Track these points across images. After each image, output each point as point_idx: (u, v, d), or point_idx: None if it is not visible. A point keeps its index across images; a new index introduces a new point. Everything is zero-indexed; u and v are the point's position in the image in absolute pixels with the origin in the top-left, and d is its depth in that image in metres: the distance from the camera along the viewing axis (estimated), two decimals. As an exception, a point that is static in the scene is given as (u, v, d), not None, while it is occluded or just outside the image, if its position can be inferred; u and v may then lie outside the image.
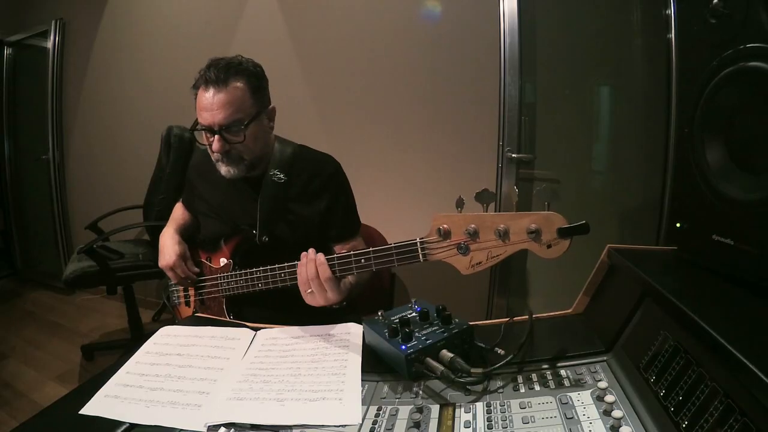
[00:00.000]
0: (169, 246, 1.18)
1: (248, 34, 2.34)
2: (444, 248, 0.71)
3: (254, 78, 1.08)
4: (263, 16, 2.28)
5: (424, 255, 0.74)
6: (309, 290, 0.86)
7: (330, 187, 1.18)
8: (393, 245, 0.76)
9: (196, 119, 1.07)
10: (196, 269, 1.18)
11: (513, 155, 1.71)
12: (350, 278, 0.99)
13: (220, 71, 1.02)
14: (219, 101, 1.02)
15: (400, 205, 2.05)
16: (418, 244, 0.74)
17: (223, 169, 1.09)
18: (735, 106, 0.64)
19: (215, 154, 1.07)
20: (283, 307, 1.11)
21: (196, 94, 1.07)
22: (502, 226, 0.65)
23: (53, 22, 3.08)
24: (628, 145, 1.76)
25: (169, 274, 1.17)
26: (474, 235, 0.68)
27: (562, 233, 0.61)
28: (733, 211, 0.64)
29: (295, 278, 0.92)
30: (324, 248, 0.90)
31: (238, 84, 1.05)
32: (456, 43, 1.85)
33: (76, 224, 3.27)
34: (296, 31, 2.22)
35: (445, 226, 0.70)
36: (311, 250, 0.87)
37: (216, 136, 1.04)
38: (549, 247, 0.62)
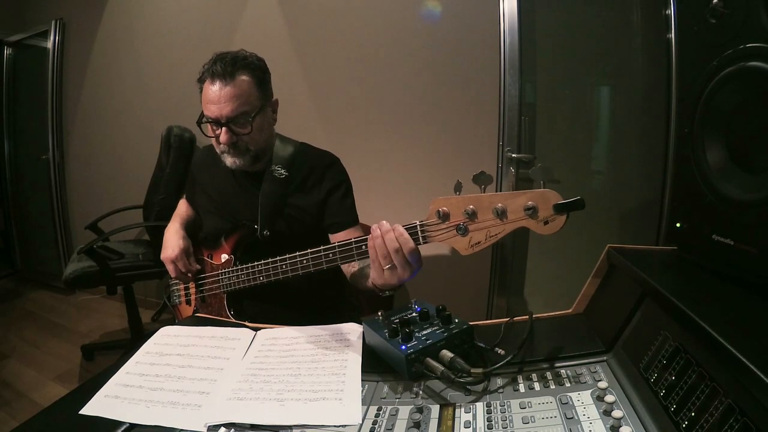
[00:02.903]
0: (173, 240, 1.19)
1: (248, 34, 2.34)
2: (443, 230, 0.72)
3: (259, 71, 1.10)
4: (263, 15, 2.28)
5: (423, 237, 0.74)
6: (389, 266, 0.77)
7: (328, 176, 1.18)
8: None
9: (202, 112, 1.08)
10: (198, 266, 1.19)
11: (513, 155, 1.71)
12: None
13: (227, 65, 1.03)
14: (226, 94, 1.03)
15: (399, 204, 2.05)
16: (418, 226, 0.74)
17: (229, 161, 1.11)
18: (735, 106, 0.64)
19: (221, 145, 1.08)
20: (284, 302, 1.12)
21: (201, 88, 1.08)
22: (499, 205, 0.66)
23: (53, 22, 3.08)
24: (628, 145, 1.76)
25: (170, 267, 1.17)
26: (472, 215, 0.68)
27: (558, 209, 0.62)
28: (733, 211, 0.64)
29: (297, 269, 0.93)
30: (323, 239, 0.90)
31: (245, 77, 1.06)
32: (456, 43, 1.85)
33: (76, 224, 3.27)
34: (296, 30, 2.22)
35: (443, 208, 0.71)
36: (384, 222, 0.78)
37: (223, 129, 1.06)
38: (546, 223, 0.63)
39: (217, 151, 1.12)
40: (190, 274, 1.18)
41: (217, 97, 1.03)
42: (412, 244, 0.75)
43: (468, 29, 1.82)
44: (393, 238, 0.75)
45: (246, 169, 1.14)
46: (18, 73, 3.49)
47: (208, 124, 1.08)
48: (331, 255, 0.87)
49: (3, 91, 3.48)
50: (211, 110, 1.05)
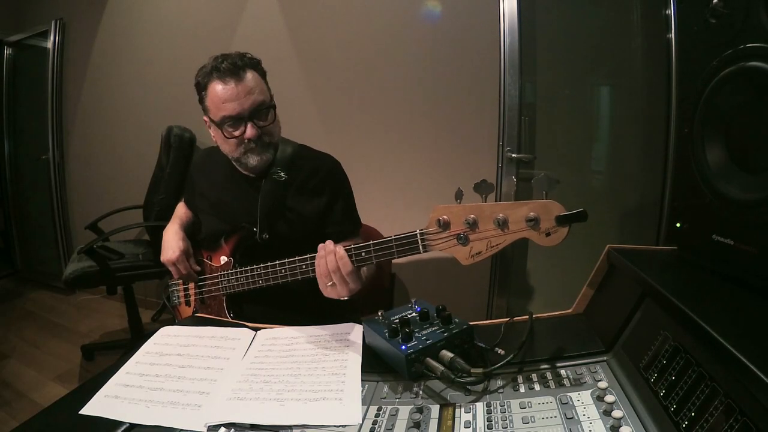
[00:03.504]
0: (172, 241, 1.19)
1: (248, 34, 2.34)
2: (444, 239, 0.72)
3: (259, 66, 1.12)
4: (263, 15, 2.28)
5: (424, 246, 0.74)
6: (330, 283, 0.84)
7: (329, 183, 1.18)
8: (393, 237, 0.77)
9: (218, 119, 1.05)
10: (198, 267, 1.19)
11: (513, 155, 1.71)
12: (365, 269, 0.98)
13: (236, 60, 1.04)
14: (243, 89, 1.03)
15: (400, 205, 2.05)
16: (418, 235, 0.74)
17: (254, 160, 1.10)
18: (735, 106, 0.64)
19: (247, 143, 1.07)
20: (283, 304, 1.12)
21: (203, 95, 1.08)
22: (500, 215, 0.65)
23: (53, 22, 3.08)
24: (628, 145, 1.76)
25: (171, 269, 1.17)
26: (473, 225, 0.68)
27: (561, 221, 0.61)
28: (733, 211, 0.64)
29: (296, 273, 0.93)
30: (323, 242, 0.90)
31: (253, 72, 1.08)
32: (456, 43, 1.85)
33: (76, 224, 3.27)
34: (296, 30, 2.22)
35: (444, 217, 0.71)
36: (329, 243, 0.85)
37: (248, 124, 1.05)
38: (548, 235, 0.63)
39: (236, 154, 1.10)
40: (191, 277, 1.18)
41: (234, 93, 1.03)
42: (350, 267, 0.82)
43: (468, 29, 1.82)
44: (333, 259, 0.82)
45: (266, 166, 1.13)
46: (18, 73, 3.49)
47: (219, 130, 1.06)
48: None
49: (3, 91, 3.48)
50: (230, 108, 1.03)
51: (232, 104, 1.03)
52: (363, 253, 0.81)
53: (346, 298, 0.89)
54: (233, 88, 1.03)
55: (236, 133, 1.06)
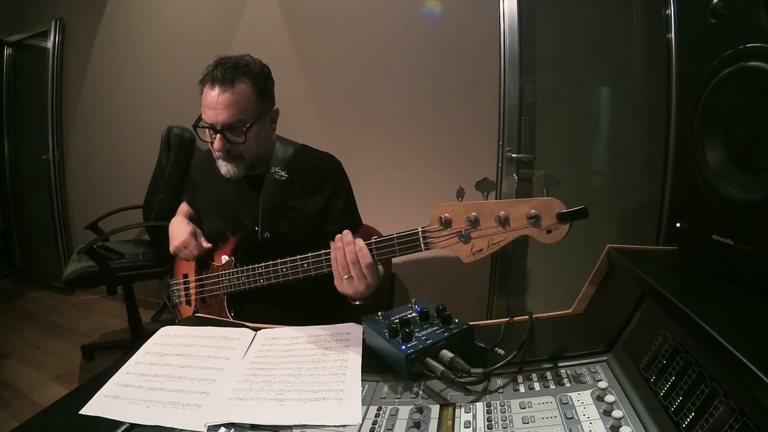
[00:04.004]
0: (180, 228, 1.19)
1: (248, 34, 2.34)
2: (445, 237, 0.72)
3: (260, 80, 1.08)
4: (263, 15, 2.28)
5: (425, 244, 0.74)
6: (347, 276, 0.82)
7: (329, 182, 1.18)
8: (395, 235, 0.77)
9: (200, 115, 1.07)
10: (209, 244, 1.18)
11: (513, 155, 1.71)
12: (380, 267, 0.97)
13: (227, 71, 1.02)
14: (224, 101, 1.02)
15: (400, 205, 2.05)
16: (420, 232, 0.74)
17: (224, 168, 1.10)
18: (735, 106, 0.64)
19: (216, 152, 1.08)
20: (284, 304, 1.12)
21: (202, 90, 1.08)
22: (502, 212, 0.65)
23: (53, 22, 3.08)
24: (628, 145, 1.76)
25: (184, 253, 1.17)
26: (475, 222, 0.68)
27: (562, 218, 0.61)
28: (733, 211, 0.64)
29: (297, 272, 0.93)
30: (324, 244, 0.90)
31: (244, 85, 1.04)
32: (456, 44, 1.85)
33: (76, 224, 3.27)
34: (296, 31, 2.22)
35: (446, 214, 0.71)
36: (347, 233, 0.82)
37: (218, 135, 1.05)
38: (549, 232, 0.63)
39: (214, 155, 1.12)
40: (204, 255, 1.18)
41: (214, 102, 1.02)
42: (369, 259, 0.80)
43: (468, 29, 1.82)
44: (352, 250, 0.80)
45: (241, 176, 1.13)
46: (18, 73, 3.49)
47: (205, 129, 1.08)
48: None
49: (3, 91, 3.48)
50: (208, 115, 1.04)
51: (210, 112, 1.03)
52: (374, 249, 0.81)
53: (358, 301, 0.89)
54: (216, 97, 1.02)
55: (211, 138, 1.07)
